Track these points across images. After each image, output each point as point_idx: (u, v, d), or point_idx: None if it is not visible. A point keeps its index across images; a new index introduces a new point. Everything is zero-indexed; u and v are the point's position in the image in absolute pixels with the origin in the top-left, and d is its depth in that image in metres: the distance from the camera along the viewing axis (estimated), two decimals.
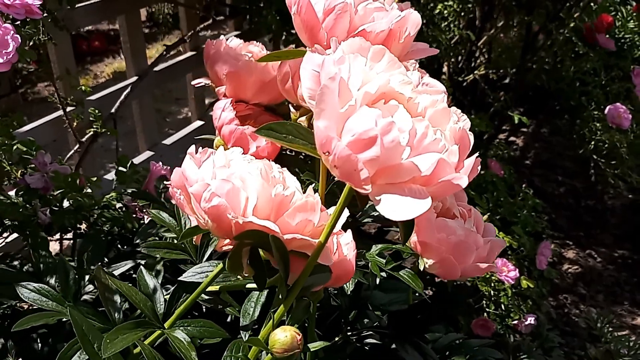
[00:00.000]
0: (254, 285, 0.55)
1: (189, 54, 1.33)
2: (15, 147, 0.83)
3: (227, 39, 0.69)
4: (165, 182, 0.79)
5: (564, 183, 2.45)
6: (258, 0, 1.14)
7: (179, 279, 0.57)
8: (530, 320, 1.31)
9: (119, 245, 0.82)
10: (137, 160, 1.24)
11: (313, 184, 0.66)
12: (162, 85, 1.30)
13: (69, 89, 1.02)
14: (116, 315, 0.54)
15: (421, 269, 0.55)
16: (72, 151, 1.05)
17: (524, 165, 2.54)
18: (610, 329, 1.59)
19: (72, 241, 0.91)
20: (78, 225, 0.84)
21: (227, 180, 0.43)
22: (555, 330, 1.54)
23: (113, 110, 1.12)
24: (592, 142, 1.50)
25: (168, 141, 1.32)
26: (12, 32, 0.67)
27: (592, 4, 1.97)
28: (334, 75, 0.36)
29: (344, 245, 0.53)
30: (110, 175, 1.19)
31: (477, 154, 0.38)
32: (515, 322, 1.32)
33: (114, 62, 3.85)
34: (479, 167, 0.39)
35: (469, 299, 1.11)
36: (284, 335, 0.42)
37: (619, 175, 1.54)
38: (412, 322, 0.64)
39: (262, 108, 0.69)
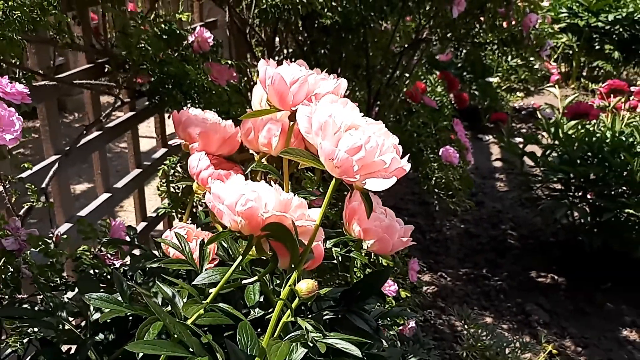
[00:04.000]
0: (247, 281, 0.76)
1: (96, 133, 1.48)
2: None
3: (189, 110, 0.91)
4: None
5: (410, 222, 2.87)
6: (166, 82, 1.37)
7: (192, 283, 0.76)
8: (412, 323, 1.61)
9: None
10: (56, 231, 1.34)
11: None
12: (77, 162, 1.43)
13: (7, 168, 1.14)
14: None
15: (365, 248, 0.81)
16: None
17: None
18: (469, 329, 1.96)
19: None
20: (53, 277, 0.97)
21: (254, 191, 0.66)
22: (428, 337, 1.87)
23: (44, 185, 1.24)
24: (433, 179, 1.90)
25: (83, 212, 1.44)
26: (15, 113, 0.82)
27: (407, 75, 2.47)
28: (330, 115, 0.62)
29: None
30: None
31: (408, 155, 0.66)
32: (401, 327, 1.61)
33: None
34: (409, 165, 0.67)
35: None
36: (305, 284, 0.65)
37: (455, 202, 1.96)
38: (354, 297, 0.89)
39: (222, 158, 0.92)
